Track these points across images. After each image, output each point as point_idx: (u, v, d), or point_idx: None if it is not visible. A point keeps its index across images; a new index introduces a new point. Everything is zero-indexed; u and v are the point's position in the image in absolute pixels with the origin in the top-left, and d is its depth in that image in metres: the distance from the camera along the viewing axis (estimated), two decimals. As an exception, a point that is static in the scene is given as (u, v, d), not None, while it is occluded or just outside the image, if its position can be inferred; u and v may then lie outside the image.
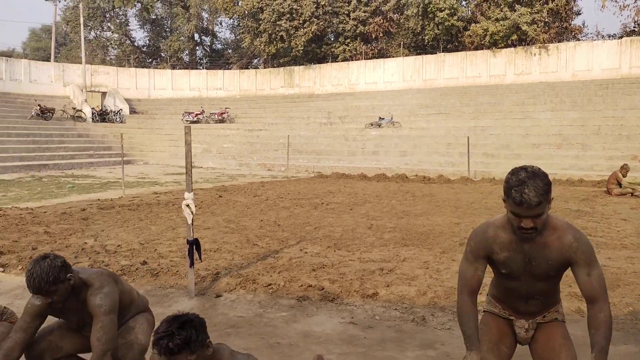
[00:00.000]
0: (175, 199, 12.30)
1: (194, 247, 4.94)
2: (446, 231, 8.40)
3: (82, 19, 35.74)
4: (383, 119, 26.66)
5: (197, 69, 41.28)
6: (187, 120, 31.33)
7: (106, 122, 32.14)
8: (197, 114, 31.66)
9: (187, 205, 4.86)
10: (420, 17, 33.67)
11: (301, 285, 5.28)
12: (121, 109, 33.35)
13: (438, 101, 28.58)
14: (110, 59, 46.28)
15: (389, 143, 24.39)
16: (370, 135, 25.85)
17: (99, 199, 12.15)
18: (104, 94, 35.47)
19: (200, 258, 5.08)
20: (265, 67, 39.37)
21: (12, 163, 21.08)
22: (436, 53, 33.18)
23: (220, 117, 31.44)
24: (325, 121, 28.98)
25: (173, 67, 41.36)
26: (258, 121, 30.83)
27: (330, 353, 4.02)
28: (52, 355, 3.00)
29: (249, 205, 11.42)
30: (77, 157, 24.69)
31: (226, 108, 32.21)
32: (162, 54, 45.93)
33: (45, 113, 28.80)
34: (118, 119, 32.56)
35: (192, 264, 4.96)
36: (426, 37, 34.53)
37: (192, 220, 4.93)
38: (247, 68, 41.96)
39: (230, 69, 41.25)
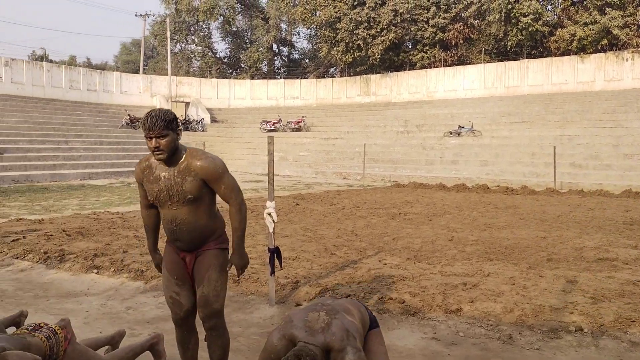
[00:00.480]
0: (254, 206, 12.53)
1: (275, 255, 4.96)
2: (532, 245, 8.00)
3: (168, 33, 37.56)
4: (463, 127, 26.01)
5: (275, 78, 42.19)
6: (265, 129, 32.03)
7: (189, 130, 33.47)
8: (274, 123, 32.29)
9: (269, 214, 4.89)
10: (502, 23, 32.66)
11: (381, 298, 5.17)
12: (203, 118, 34.64)
13: (521, 109, 27.53)
14: (194, 70, 48.28)
15: (469, 152, 23.74)
16: (449, 144, 25.29)
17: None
18: (187, 103, 37.00)
19: (281, 266, 5.10)
20: (341, 76, 39.61)
21: (104, 170, 22.37)
22: (519, 59, 32.02)
23: (297, 126, 31.90)
24: (402, 130, 28.68)
25: (252, 77, 42.53)
26: (334, 130, 31.00)
27: (411, 369, 3.89)
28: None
29: (326, 213, 11.44)
30: (162, 164, 25.80)
31: (303, 117, 32.64)
32: (242, 65, 47.34)
33: (134, 122, 30.42)
34: (200, 128, 33.83)
35: (272, 272, 4.99)
36: (509, 43, 33.43)
37: (274, 228, 4.96)
38: (324, 77, 42.39)
39: (307, 78, 41.86)
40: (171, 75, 36.74)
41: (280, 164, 27.24)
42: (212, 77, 41.16)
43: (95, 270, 6.32)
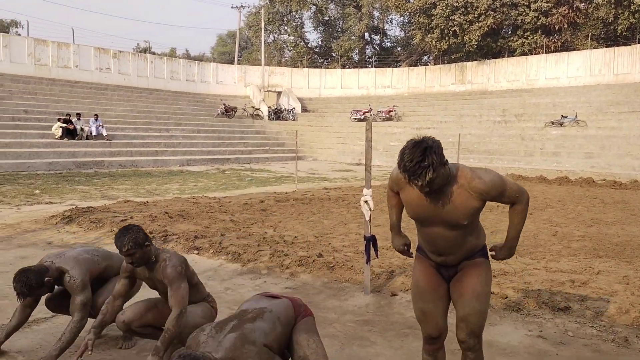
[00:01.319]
0: (345, 195, 12.52)
1: (371, 243, 4.88)
2: (648, 243, 7.35)
3: (262, 24, 38.39)
4: (566, 117, 24.49)
5: (366, 67, 41.89)
6: (355, 119, 31.96)
7: (280, 120, 34.15)
8: (364, 112, 32.12)
9: (366, 202, 4.80)
10: (612, 5, 30.32)
11: (482, 291, 4.94)
12: (294, 108, 35.17)
13: (632, 98, 25.46)
14: (285, 60, 49.08)
15: (572, 143, 22.33)
16: (550, 134, 23.92)
17: (275, 192, 12.84)
18: (279, 93, 37.71)
19: (377, 255, 5.01)
20: (435, 64, 38.62)
21: (201, 157, 23.32)
22: (630, 44, 29.60)
23: (387, 115, 31.53)
24: (499, 119, 27.50)
25: (343, 67, 42.52)
26: (426, 119, 30.32)
27: (517, 368, 3.68)
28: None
29: (419, 204, 11.17)
30: (255, 153, 26.54)
31: (394, 106, 32.19)
32: (333, 54, 47.47)
33: (228, 111, 31.47)
34: (291, 117, 34.39)
35: (368, 260, 4.91)
36: (619, 27, 31.00)
37: (370, 216, 4.87)
38: (417, 65, 41.53)
39: (399, 66, 41.21)
40: (264, 66, 37.57)
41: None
42: (304, 67, 41.62)
43: (195, 251, 6.56)
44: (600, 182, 16.72)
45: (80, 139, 20.96)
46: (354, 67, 41.86)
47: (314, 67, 42.76)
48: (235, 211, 9.45)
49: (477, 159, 23.16)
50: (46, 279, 3.46)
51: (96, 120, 21.93)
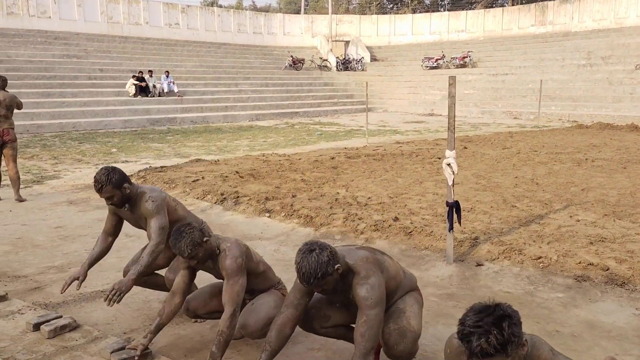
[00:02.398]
0: (418, 149, 12.00)
1: (454, 209, 4.49)
2: None
3: (329, -30, 37.14)
4: (660, 57, 22.33)
5: (438, 11, 39.90)
6: (427, 67, 30.70)
7: (348, 70, 33.35)
8: (437, 59, 30.75)
9: (449, 164, 4.38)
10: None
11: (579, 262, 4.46)
12: (362, 57, 34.19)
13: None
14: (353, 7, 47.60)
15: (667, 87, 20.41)
16: (641, 77, 21.96)
17: (345, 148, 12.50)
18: (347, 42, 36.73)
19: (459, 222, 4.62)
20: (513, 5, 36.19)
21: (269, 111, 23.22)
22: None
23: (461, 62, 30.03)
24: (583, 63, 25.49)
25: (413, 12, 40.72)
26: (503, 65, 28.60)
27: (627, 354, 3.25)
28: (320, 323, 2.89)
29: (499, 158, 10.52)
30: (323, 105, 26.14)
31: (468, 51, 30.56)
32: (403, -1, 45.57)
33: (296, 64, 31.02)
34: (359, 67, 33.50)
35: (451, 228, 4.54)
36: None
37: (453, 180, 4.46)
38: (492, 6, 39.09)
39: (473, 9, 38.96)
40: (331, 14, 36.56)
41: (443, 103, 26.00)
42: (372, 14, 40.17)
43: (267, 214, 6.39)
44: (703, 130, 15.22)
45: (153, 96, 21.34)
46: (426, 12, 39.97)
47: (383, 14, 41.19)
48: (306, 169, 9.22)
49: (560, 106, 21.69)
50: (124, 184, 3.39)
51: (167, 77, 22.21)
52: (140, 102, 20.57)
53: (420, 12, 39.88)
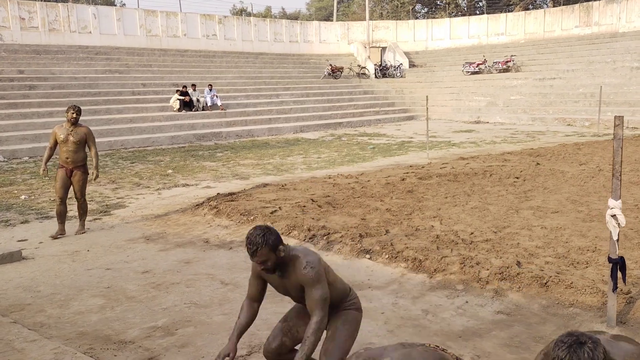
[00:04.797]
0: (489, 166, 11.38)
1: (618, 267, 3.91)
2: None
3: (364, -24, 36.60)
4: None
5: (475, 14, 39.05)
6: (468, 72, 29.92)
7: (387, 77, 32.74)
8: (478, 64, 29.94)
9: (613, 216, 3.81)
10: None
11: None
12: (401, 64, 33.52)
13: None
14: (388, 12, 46.94)
15: None
16: None
17: (410, 166, 11.96)
18: (383, 49, 36.13)
19: (624, 280, 4.04)
20: (554, 6, 35.14)
21: (313, 122, 22.79)
22: None
23: (504, 66, 29.18)
24: (637, 65, 24.46)
25: (450, 16, 39.93)
26: (549, 68, 27.67)
27: None
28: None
29: (583, 177, 9.83)
30: (366, 115, 25.60)
31: (511, 55, 29.68)
32: (438, 2, 44.74)
33: (335, 72, 30.53)
34: (398, 74, 32.84)
35: (615, 288, 3.96)
36: None
37: (618, 234, 3.88)
38: (529, 8, 38.08)
39: (512, 11, 38.01)
40: (368, 20, 36.00)
41: (489, 110, 25.27)
42: (409, 19, 39.51)
43: (367, 256, 5.89)
44: None
45: (197, 110, 21.10)
46: (462, 15, 39.16)
47: (416, 19, 40.48)
48: (383, 195, 8.71)
49: (617, 111, 20.72)
50: (280, 246, 3.07)
51: (210, 90, 21.96)
52: (185, 117, 20.34)
53: (456, 16, 39.06)
